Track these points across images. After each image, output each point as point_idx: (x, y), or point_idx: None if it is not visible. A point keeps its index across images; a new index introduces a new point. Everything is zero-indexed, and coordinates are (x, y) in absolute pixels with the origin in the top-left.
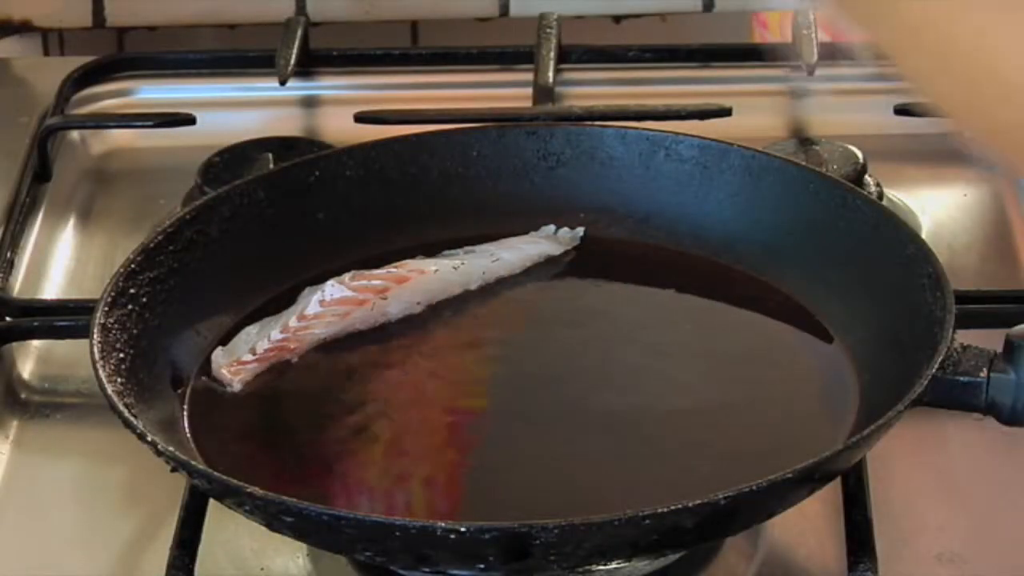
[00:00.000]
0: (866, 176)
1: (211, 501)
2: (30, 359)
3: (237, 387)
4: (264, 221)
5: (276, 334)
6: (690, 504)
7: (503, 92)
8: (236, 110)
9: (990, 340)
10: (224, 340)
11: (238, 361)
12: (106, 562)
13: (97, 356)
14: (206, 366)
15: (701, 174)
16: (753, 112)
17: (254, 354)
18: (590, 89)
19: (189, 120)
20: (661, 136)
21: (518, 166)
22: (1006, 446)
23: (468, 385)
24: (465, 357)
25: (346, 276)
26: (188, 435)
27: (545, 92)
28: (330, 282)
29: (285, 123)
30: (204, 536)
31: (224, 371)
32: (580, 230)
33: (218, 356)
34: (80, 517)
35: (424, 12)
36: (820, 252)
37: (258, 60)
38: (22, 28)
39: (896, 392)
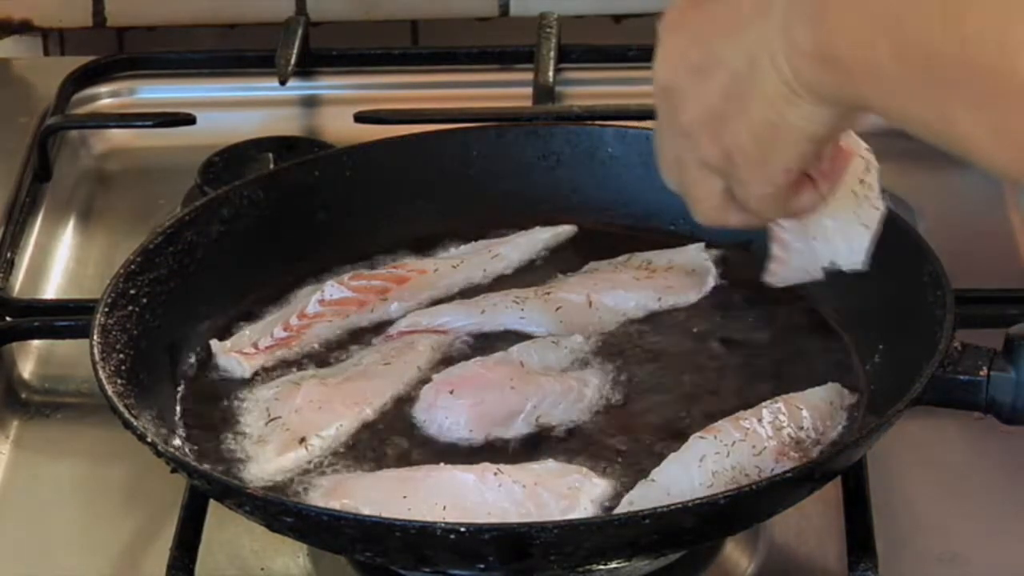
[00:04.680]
0: None
1: (211, 501)
2: (30, 359)
3: (244, 375)
4: (264, 221)
5: (278, 331)
6: (690, 504)
7: (503, 92)
8: (236, 110)
9: (990, 340)
10: (224, 340)
11: (240, 353)
12: (106, 562)
13: (97, 357)
14: (206, 366)
15: None
16: None
17: (256, 348)
18: (590, 89)
19: (189, 120)
20: None
21: (518, 165)
22: (1006, 446)
23: None
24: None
25: (346, 276)
26: (186, 435)
27: (545, 92)
28: (330, 282)
29: (285, 123)
30: (204, 536)
31: (225, 361)
32: (573, 227)
33: (218, 348)
34: (80, 517)
35: (424, 12)
36: None
37: (258, 60)
38: (22, 28)
39: (896, 391)
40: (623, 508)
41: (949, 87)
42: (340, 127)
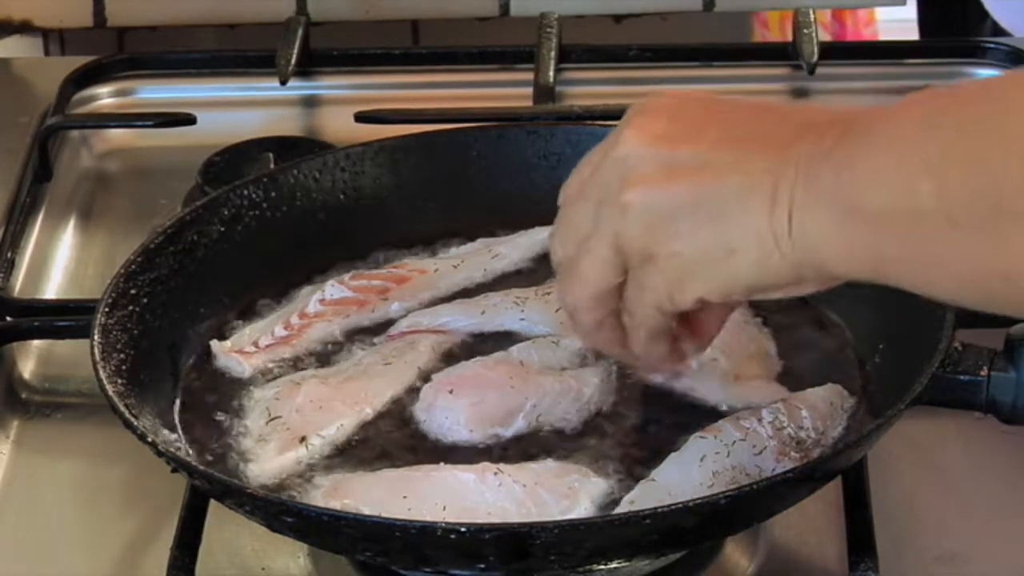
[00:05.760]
0: None
1: (211, 501)
2: (30, 359)
3: (244, 374)
4: (264, 221)
5: (279, 330)
6: (690, 504)
7: (503, 92)
8: (236, 110)
9: (990, 340)
10: (224, 339)
11: (240, 352)
12: (106, 562)
13: (98, 357)
14: (207, 365)
15: None
16: None
17: (256, 347)
18: (590, 88)
19: (189, 120)
20: None
21: (518, 165)
22: (1006, 446)
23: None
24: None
25: (346, 276)
26: (186, 435)
27: (545, 92)
28: (330, 282)
29: (285, 123)
30: (204, 536)
31: (226, 360)
32: None
33: (219, 347)
34: (80, 517)
35: (424, 12)
36: None
37: (258, 60)
38: (22, 28)
39: (897, 391)
40: (623, 508)
41: (1005, 211)
42: (340, 127)
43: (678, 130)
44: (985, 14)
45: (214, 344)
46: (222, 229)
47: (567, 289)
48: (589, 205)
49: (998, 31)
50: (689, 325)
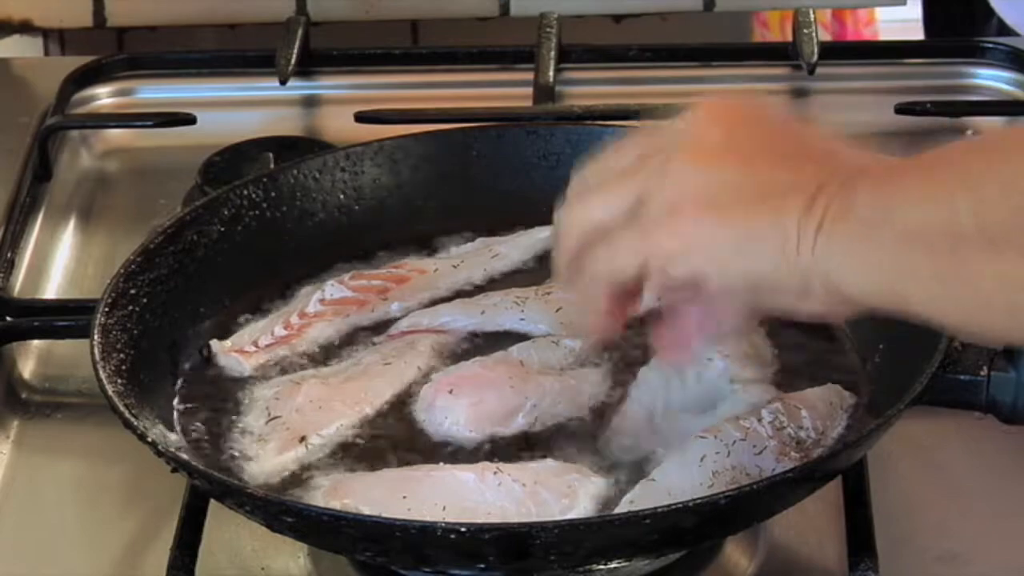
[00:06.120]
0: None
1: (211, 501)
2: (30, 359)
3: (244, 374)
4: (264, 221)
5: (279, 330)
6: (690, 504)
7: (503, 92)
8: (236, 110)
9: None
10: (224, 339)
11: (240, 352)
12: (106, 562)
13: (98, 357)
14: (207, 365)
15: None
16: None
17: (256, 347)
18: (590, 88)
19: (189, 120)
20: None
21: (518, 165)
22: (1006, 446)
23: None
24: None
25: (346, 276)
26: (186, 434)
27: (545, 91)
28: (330, 282)
29: (285, 123)
30: (204, 536)
31: (225, 360)
32: None
33: (218, 347)
34: (80, 517)
35: (424, 12)
36: None
37: (258, 60)
38: (22, 28)
39: (896, 391)
40: (623, 508)
41: None
42: (340, 127)
43: (745, 124)
44: (991, 12)
45: (214, 344)
46: (222, 229)
47: (568, 209)
48: (634, 154)
49: (1004, 30)
50: (664, 333)
